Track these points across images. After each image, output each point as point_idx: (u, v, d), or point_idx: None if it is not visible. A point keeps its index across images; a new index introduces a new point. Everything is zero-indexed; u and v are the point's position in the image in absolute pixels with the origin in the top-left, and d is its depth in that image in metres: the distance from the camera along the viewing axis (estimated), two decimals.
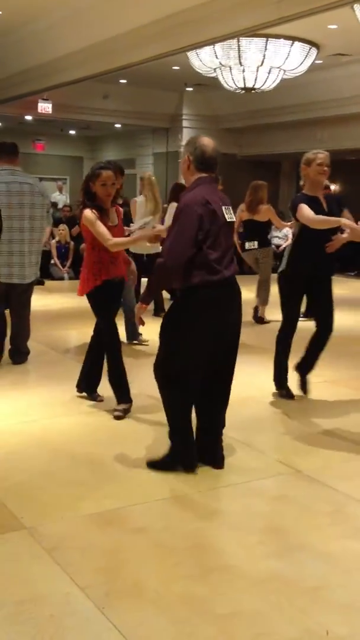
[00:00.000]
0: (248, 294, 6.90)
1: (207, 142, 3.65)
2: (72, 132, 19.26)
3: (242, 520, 3.24)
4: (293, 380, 5.18)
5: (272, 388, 5.32)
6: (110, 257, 4.55)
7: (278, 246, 12.15)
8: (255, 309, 8.34)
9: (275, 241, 13.26)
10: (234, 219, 3.76)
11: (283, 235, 12.46)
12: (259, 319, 8.24)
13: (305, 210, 4.70)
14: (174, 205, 6.87)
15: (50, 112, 13.90)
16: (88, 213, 4.43)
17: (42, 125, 16.80)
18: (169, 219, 6.72)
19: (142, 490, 3.51)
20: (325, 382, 5.57)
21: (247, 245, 8.25)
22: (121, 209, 4.91)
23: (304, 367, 5.14)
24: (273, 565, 2.84)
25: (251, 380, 5.63)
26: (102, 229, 4.41)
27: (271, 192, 10.83)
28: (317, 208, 4.76)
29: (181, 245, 3.44)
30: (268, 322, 8.00)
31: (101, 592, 2.62)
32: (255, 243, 8.21)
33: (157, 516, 3.24)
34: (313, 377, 5.74)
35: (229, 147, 16.06)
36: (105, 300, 4.63)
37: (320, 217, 4.69)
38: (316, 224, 4.68)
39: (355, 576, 2.78)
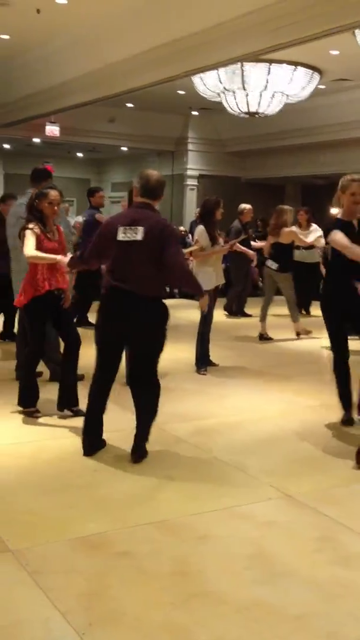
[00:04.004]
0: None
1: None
2: (79, 154, 19.42)
3: (229, 546, 3.20)
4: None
5: (266, 411, 5.30)
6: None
7: None
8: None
9: None
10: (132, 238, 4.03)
11: None
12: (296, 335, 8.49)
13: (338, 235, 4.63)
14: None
15: (58, 135, 14.03)
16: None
17: (50, 148, 16.95)
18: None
19: (128, 514, 3.49)
20: (320, 406, 5.54)
21: (268, 262, 8.65)
22: (62, 229, 5.20)
23: None
24: (257, 592, 2.81)
25: (244, 404, 5.63)
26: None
27: None
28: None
29: None
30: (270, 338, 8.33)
31: (82, 617, 2.59)
32: (275, 265, 8.54)
33: (142, 541, 3.21)
34: (310, 401, 5.74)
35: (234, 171, 16.17)
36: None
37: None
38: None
39: (339, 604, 2.75)
